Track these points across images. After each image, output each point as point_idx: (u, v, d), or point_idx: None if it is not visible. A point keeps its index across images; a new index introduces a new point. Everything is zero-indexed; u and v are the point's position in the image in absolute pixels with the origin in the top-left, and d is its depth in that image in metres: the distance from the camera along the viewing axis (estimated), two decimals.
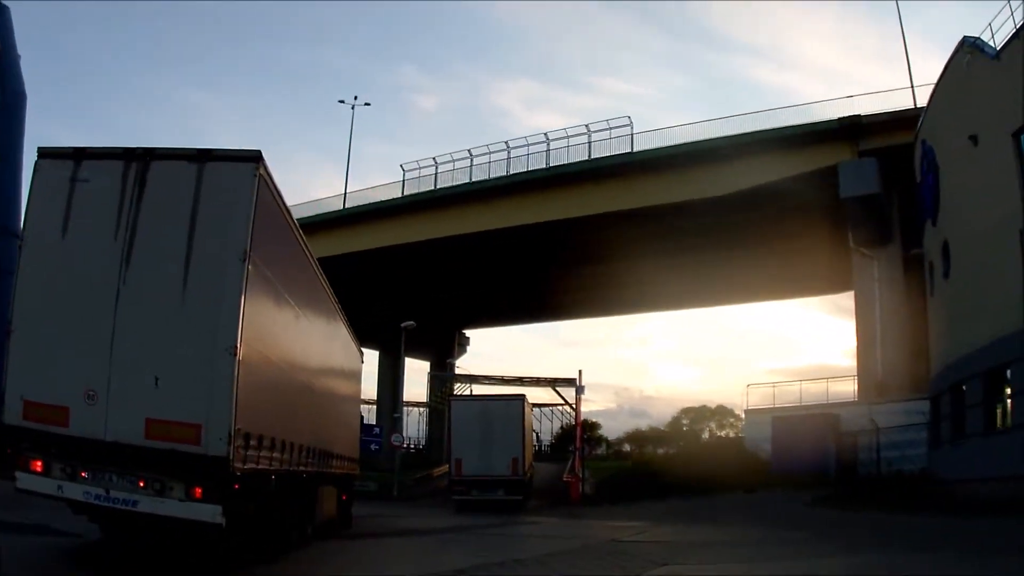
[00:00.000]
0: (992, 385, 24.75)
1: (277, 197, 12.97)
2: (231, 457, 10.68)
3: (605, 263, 58.97)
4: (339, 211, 59.23)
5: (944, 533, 19.17)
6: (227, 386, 10.71)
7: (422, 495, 47.67)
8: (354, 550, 18.69)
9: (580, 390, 48.36)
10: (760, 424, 46.57)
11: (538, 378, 56.29)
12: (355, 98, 68.64)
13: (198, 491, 10.88)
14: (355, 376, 26.03)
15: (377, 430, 50.58)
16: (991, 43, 24.84)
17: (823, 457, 38.84)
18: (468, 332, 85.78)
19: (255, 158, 11.61)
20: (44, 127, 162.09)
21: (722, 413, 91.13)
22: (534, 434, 63.22)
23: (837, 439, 39.30)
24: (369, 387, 78.29)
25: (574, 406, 49.66)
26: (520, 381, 56.97)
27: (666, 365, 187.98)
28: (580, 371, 48.49)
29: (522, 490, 39.55)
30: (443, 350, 79.47)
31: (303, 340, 15.91)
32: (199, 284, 11.03)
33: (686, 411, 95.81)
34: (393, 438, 51.42)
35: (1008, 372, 23.34)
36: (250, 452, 11.59)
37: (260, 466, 12.23)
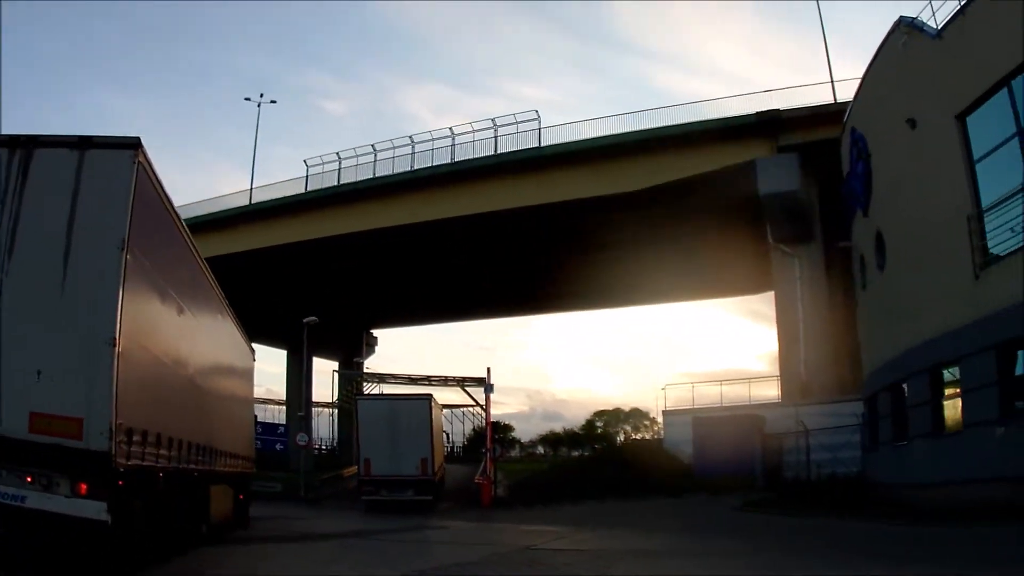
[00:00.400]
0: (939, 383, 22.89)
1: (158, 187, 12.81)
2: (113, 452, 10.51)
3: (517, 263, 59.63)
4: (244, 207, 58.16)
5: (901, 541, 17.67)
6: (107, 379, 10.53)
7: (330, 496, 46.87)
8: (244, 556, 17.78)
9: (489, 388, 47.52)
10: (679, 425, 45.86)
11: (447, 377, 55.92)
12: (260, 95, 67.99)
13: (83, 487, 10.68)
14: (246, 374, 25.98)
15: (282, 429, 49.93)
16: (932, 23, 22.94)
17: (748, 459, 37.74)
18: (376, 332, 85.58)
19: (134, 145, 11.39)
20: None
21: (637, 416, 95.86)
22: (445, 435, 62.77)
23: (763, 441, 38.18)
24: (279, 387, 78.07)
25: (484, 407, 49.16)
26: (428, 380, 56.68)
27: (578, 368, 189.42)
28: (488, 368, 47.40)
29: (432, 490, 39.58)
30: (351, 350, 78.99)
31: (188, 335, 15.72)
32: (78, 274, 10.79)
33: (600, 413, 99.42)
34: (298, 438, 50.90)
35: (958, 368, 21.46)
36: (134, 448, 11.45)
37: (146, 462, 12.08)
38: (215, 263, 20.10)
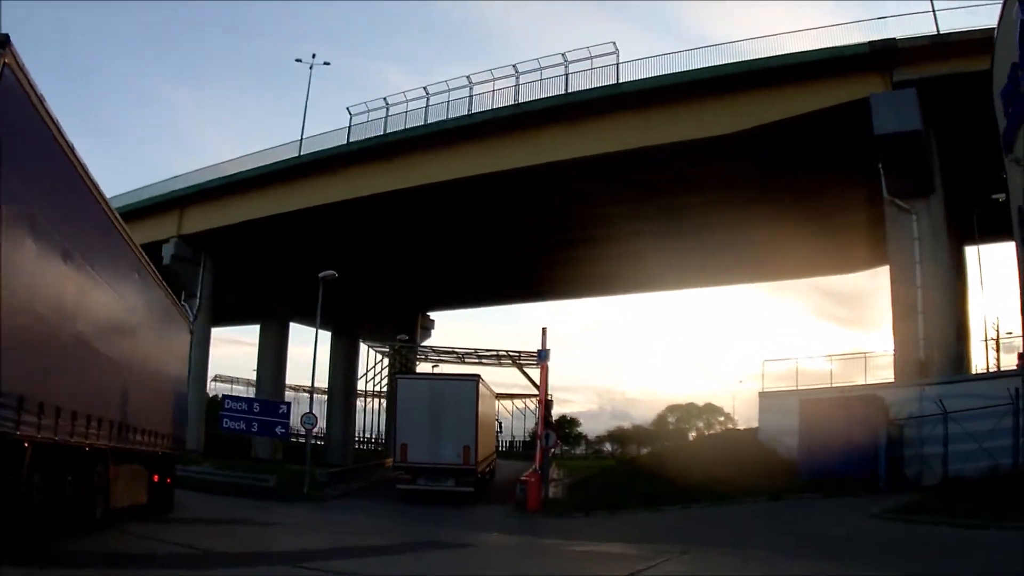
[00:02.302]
0: None
1: (35, 99, 11.54)
2: None
3: (586, 229, 54.76)
4: (294, 158, 53.85)
5: None
6: None
7: (345, 495, 40.56)
8: None
9: (543, 355, 41.70)
10: (778, 412, 39.88)
11: (498, 352, 52.67)
12: (313, 56, 64.75)
13: None
14: (175, 344, 25.06)
15: (283, 408, 44.18)
16: None
17: (868, 452, 31.42)
18: (433, 315, 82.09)
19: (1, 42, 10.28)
20: None
21: (710, 411, 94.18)
22: (497, 424, 60.00)
23: (888, 428, 32.28)
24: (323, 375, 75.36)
25: (538, 384, 44.44)
26: (476, 355, 54.05)
27: (648, 359, 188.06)
28: (544, 330, 41.41)
29: (474, 482, 38.47)
30: (406, 334, 74.45)
31: (79, 288, 14.19)
32: None
33: (672, 408, 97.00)
34: (303, 420, 43.87)
35: None
36: None
37: (3, 429, 10.69)
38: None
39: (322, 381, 76.80)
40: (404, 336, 68.75)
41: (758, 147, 40.96)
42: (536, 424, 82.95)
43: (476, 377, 41.08)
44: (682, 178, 46.58)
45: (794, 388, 42.69)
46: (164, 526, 20.31)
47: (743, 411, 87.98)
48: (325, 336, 73.25)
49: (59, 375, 13.26)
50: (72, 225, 13.82)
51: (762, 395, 44.40)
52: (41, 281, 12.15)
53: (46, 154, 12.44)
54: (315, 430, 47.12)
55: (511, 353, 56.87)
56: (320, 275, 43.21)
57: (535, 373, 48.69)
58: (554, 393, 63.11)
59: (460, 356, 62.11)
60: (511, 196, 50.11)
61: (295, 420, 47.72)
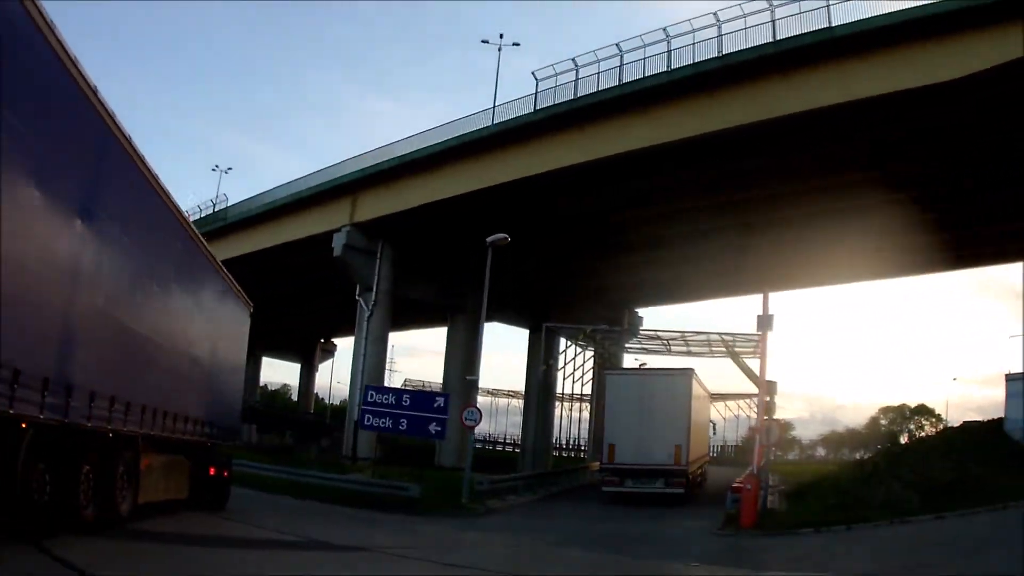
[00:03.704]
0: None
1: (50, 34, 10.76)
2: None
3: (799, 205, 50.15)
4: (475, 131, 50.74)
5: None
6: None
7: (509, 508, 36.56)
8: None
9: (766, 323, 34.25)
10: None
11: (708, 336, 50.03)
12: (500, 36, 63.22)
13: None
14: (228, 328, 24.83)
15: (439, 401, 37.50)
16: None
17: None
18: (640, 311, 77.05)
19: None
20: None
21: (923, 412, 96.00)
22: (711, 425, 56.89)
23: None
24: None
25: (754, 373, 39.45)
26: (683, 340, 50.96)
27: (854, 362, 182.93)
28: (766, 296, 35.42)
29: (685, 483, 37.72)
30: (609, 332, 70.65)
31: (102, 251, 13.33)
32: None
33: (885, 410, 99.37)
34: (464, 415, 38.29)
35: None
36: None
37: None
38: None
39: (519, 385, 74.70)
40: (607, 327, 64.46)
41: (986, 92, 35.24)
42: (750, 429, 79.04)
43: (689, 370, 40.48)
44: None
45: None
46: (182, 522, 19.00)
47: (955, 413, 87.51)
48: (523, 335, 70.87)
49: (72, 349, 12.31)
50: (93, 177, 12.93)
51: (1011, 377, 39.29)
52: (47, 238, 11.28)
53: (56, 84, 11.36)
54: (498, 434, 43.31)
55: (724, 337, 53.30)
56: (488, 240, 38.52)
57: (753, 365, 44.67)
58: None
59: (665, 342, 59.63)
60: (721, 164, 45.79)
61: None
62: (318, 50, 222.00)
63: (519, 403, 78.90)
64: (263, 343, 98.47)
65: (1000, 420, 39.71)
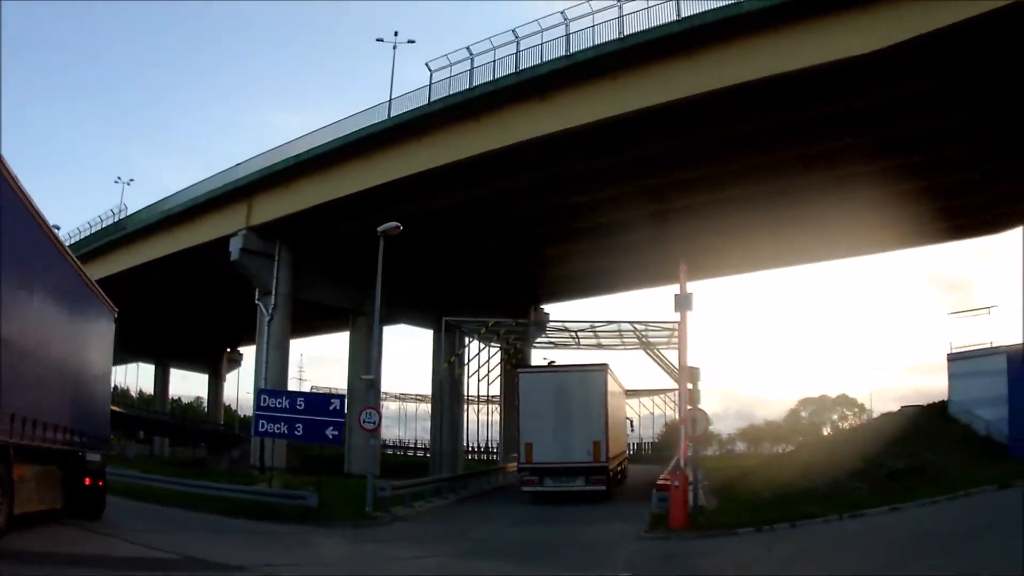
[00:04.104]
0: None
1: None
2: None
3: (700, 192, 49.32)
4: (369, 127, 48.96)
5: None
6: None
7: (417, 515, 33.94)
8: None
9: (683, 302, 29.61)
10: (979, 377, 34.80)
11: (619, 325, 51.31)
12: (395, 34, 60.73)
13: None
14: (90, 332, 23.69)
15: (336, 404, 33.69)
16: None
17: None
18: (550, 307, 76.32)
19: None
20: None
21: (845, 403, 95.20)
22: (628, 423, 56.21)
23: None
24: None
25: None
26: (592, 332, 53.96)
27: (767, 352, 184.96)
28: (683, 267, 30.29)
29: (606, 480, 37.45)
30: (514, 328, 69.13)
31: None
32: None
33: (805, 402, 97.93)
34: (363, 417, 35.11)
35: None
36: None
37: None
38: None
39: (428, 389, 73.42)
40: (513, 321, 62.44)
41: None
42: (665, 425, 78.01)
43: (604, 366, 39.77)
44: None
45: (997, 346, 36.09)
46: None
47: (879, 403, 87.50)
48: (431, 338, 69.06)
49: None
50: None
51: (952, 357, 38.27)
52: None
53: None
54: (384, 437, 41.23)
55: (636, 326, 51.94)
56: (380, 229, 35.97)
57: (669, 355, 43.85)
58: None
59: (574, 334, 58.33)
60: (630, 150, 44.35)
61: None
62: (216, 61, 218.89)
63: (429, 408, 77.02)
64: (170, 353, 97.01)
65: (944, 403, 38.71)
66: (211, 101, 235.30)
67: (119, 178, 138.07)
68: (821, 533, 22.35)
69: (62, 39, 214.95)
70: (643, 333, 53.44)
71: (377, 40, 58.30)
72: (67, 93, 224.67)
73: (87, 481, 22.20)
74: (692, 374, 29.66)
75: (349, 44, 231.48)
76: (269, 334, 55.17)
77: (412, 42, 56.80)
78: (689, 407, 28.81)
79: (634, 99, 39.17)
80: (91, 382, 23.79)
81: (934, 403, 40.77)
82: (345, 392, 59.30)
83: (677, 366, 36.68)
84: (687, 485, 26.77)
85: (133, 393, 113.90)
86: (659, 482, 30.31)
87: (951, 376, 38.10)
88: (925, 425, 36.18)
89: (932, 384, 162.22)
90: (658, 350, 55.98)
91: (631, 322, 51.18)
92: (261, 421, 33.76)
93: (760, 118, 40.55)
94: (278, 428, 33.12)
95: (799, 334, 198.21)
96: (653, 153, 44.29)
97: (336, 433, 32.28)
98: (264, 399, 34.44)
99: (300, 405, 33.29)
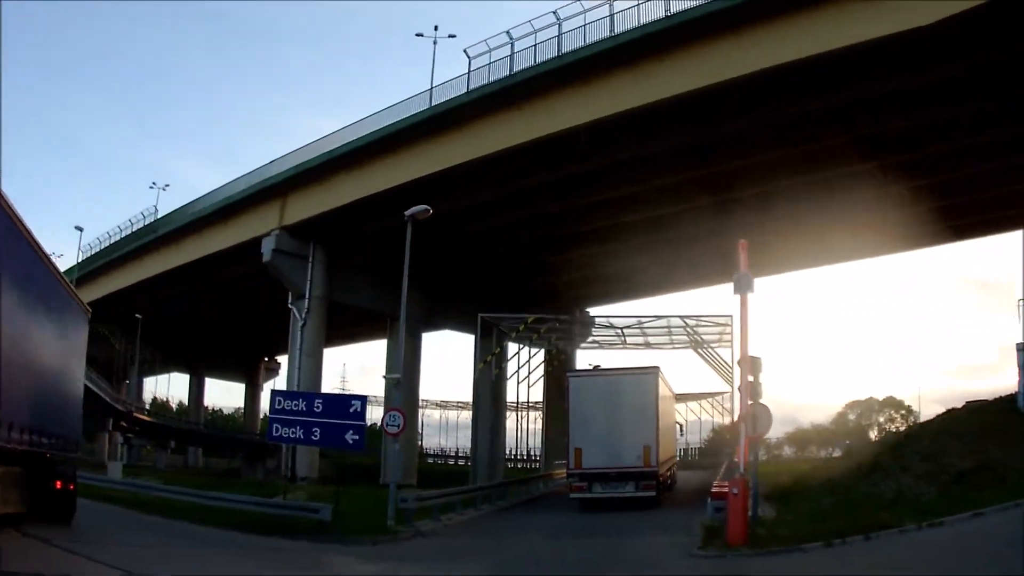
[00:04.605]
0: None
1: None
2: None
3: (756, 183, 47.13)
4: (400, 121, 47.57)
5: None
6: None
7: (445, 528, 31.29)
8: None
9: (743, 284, 26.13)
10: None
11: (668, 320, 50.07)
12: (435, 28, 59.27)
13: None
14: (64, 334, 23.14)
15: (356, 405, 31.16)
16: None
17: None
18: (595, 310, 72.99)
19: None
20: None
21: (892, 405, 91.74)
22: (678, 427, 54.59)
23: None
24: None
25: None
26: (640, 329, 52.90)
27: (810, 361, 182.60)
28: (743, 243, 26.40)
29: (656, 486, 36.47)
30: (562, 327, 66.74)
31: None
32: None
33: (852, 405, 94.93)
34: (386, 420, 33.22)
35: None
36: None
37: None
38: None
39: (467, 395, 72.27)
40: (554, 317, 60.59)
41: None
42: (713, 430, 75.91)
43: (656, 368, 39.09)
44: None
45: None
46: None
47: (927, 406, 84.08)
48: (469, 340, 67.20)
49: None
50: None
51: (1022, 347, 35.13)
52: None
53: None
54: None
55: (687, 321, 50.44)
56: (407, 213, 34.30)
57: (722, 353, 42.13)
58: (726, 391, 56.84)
59: (620, 332, 57.68)
60: (683, 134, 42.46)
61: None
62: (263, 72, 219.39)
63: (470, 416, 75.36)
64: (205, 362, 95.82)
65: (1013, 396, 36.15)
66: (254, 108, 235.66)
67: (154, 183, 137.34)
68: (901, 546, 19.02)
69: (106, 45, 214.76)
70: (694, 329, 52.13)
71: (417, 35, 57.27)
72: (101, 99, 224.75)
73: (57, 485, 21.93)
74: (754, 365, 26.83)
75: (386, 46, 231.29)
76: (302, 340, 53.90)
77: (453, 36, 55.42)
78: (750, 402, 25.97)
79: (682, 81, 37.49)
80: (61, 383, 23.14)
81: (1001, 397, 38.22)
82: (384, 402, 57.82)
83: (729, 363, 35.38)
84: (747, 493, 23.25)
85: (173, 404, 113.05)
86: (714, 489, 27.91)
87: (1022, 367, 35.48)
88: (993, 421, 33.65)
89: (979, 385, 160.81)
90: (710, 348, 53.99)
91: (681, 316, 49.88)
92: (275, 425, 31.21)
93: (817, 99, 38.57)
94: (293, 432, 30.41)
95: (837, 336, 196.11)
96: (708, 138, 42.73)
97: (357, 438, 29.33)
98: (279, 401, 31.78)
99: (318, 407, 30.57)
